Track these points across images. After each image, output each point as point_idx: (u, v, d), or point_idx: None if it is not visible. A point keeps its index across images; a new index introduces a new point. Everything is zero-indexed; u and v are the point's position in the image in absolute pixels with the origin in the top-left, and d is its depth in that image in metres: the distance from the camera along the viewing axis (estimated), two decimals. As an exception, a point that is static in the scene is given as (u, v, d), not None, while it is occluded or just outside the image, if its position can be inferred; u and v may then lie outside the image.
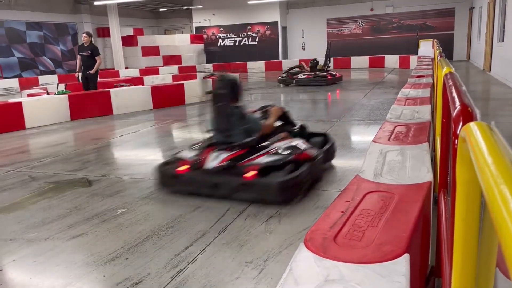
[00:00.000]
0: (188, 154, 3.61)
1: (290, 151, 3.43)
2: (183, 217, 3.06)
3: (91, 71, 9.35)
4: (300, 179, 3.23)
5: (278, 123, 3.96)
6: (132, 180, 4.08)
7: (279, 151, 3.43)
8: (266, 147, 3.50)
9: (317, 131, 4.46)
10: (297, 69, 13.23)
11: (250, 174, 3.21)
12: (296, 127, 4.11)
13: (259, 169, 3.24)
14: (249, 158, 3.38)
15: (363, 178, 1.92)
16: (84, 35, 9.43)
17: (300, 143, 3.60)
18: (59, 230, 2.94)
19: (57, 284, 2.27)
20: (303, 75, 12.75)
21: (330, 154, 4.07)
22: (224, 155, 3.42)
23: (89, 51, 9.31)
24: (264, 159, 3.35)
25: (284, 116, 4.06)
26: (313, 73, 12.74)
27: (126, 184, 3.96)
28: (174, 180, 3.50)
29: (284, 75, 13.07)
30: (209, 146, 3.58)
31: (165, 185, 3.58)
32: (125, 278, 2.28)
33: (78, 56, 9.38)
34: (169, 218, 3.06)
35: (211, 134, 3.73)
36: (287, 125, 4.04)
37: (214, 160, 3.40)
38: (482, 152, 0.63)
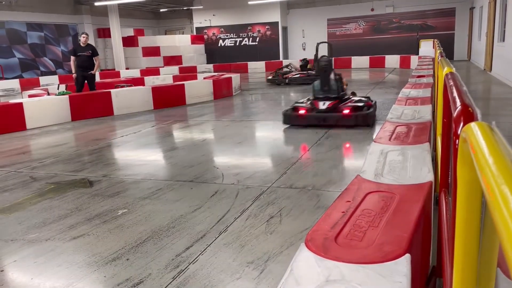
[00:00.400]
0: (304, 104, 6.20)
1: (362, 101, 6.16)
2: (184, 218, 3.06)
3: (92, 72, 9.37)
4: (372, 114, 5.97)
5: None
6: (132, 180, 4.09)
7: (356, 100, 6.18)
8: (347, 99, 6.24)
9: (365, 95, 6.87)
10: (286, 69, 13.42)
11: (347, 111, 5.84)
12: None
13: (351, 108, 5.87)
14: (342, 104, 6.00)
15: (364, 178, 1.92)
16: (84, 35, 9.41)
17: (363, 98, 6.34)
18: (60, 231, 2.95)
19: (58, 285, 2.27)
20: (296, 74, 12.91)
21: (376, 107, 6.46)
22: (328, 102, 5.97)
23: (90, 51, 9.32)
24: (351, 104, 6.02)
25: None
26: (305, 72, 12.91)
27: (127, 184, 3.96)
28: (298, 118, 6.08)
29: (272, 76, 13.29)
30: (315, 99, 6.15)
31: (292, 122, 6.13)
32: (126, 278, 2.28)
33: (73, 57, 9.23)
34: (170, 218, 3.07)
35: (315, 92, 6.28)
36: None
37: (323, 106, 5.95)
38: (483, 152, 0.63)
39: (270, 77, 13.39)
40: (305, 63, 13.82)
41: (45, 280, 2.35)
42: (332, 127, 5.80)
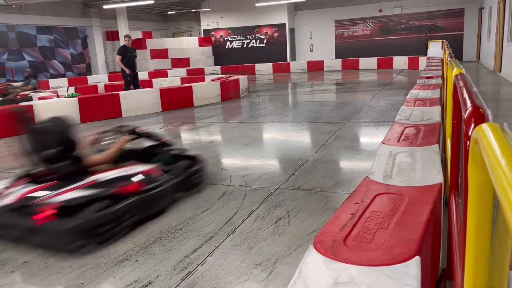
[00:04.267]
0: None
1: (111, 184, 2.92)
2: (192, 219, 3.07)
3: (137, 70, 10.46)
4: (110, 218, 2.74)
5: (148, 144, 3.78)
6: (141, 182, 4.09)
7: (100, 182, 2.91)
8: (83, 179, 2.92)
9: (188, 153, 3.92)
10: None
11: (41, 216, 2.63)
12: (171, 147, 3.84)
13: (57, 208, 2.66)
14: (55, 193, 2.77)
15: (372, 180, 1.91)
16: (127, 38, 10.28)
17: (126, 175, 3.06)
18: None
19: (67, 286, 2.29)
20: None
21: (192, 180, 3.59)
22: (29, 187, 2.87)
23: (135, 52, 10.41)
24: (67, 196, 2.75)
25: (149, 138, 3.77)
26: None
27: (135, 186, 3.97)
28: None
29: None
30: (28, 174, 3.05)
31: None
32: (135, 279, 2.29)
33: (120, 57, 10.02)
34: (178, 220, 3.07)
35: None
36: (158, 147, 3.78)
37: (12, 194, 2.85)
38: (495, 154, 0.62)
39: None
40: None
41: (55, 281, 2.37)
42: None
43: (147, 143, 3.74)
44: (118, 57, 10.11)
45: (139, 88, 10.42)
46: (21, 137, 3.04)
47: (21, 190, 2.85)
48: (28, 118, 3.19)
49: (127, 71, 10.08)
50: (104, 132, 3.61)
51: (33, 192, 2.81)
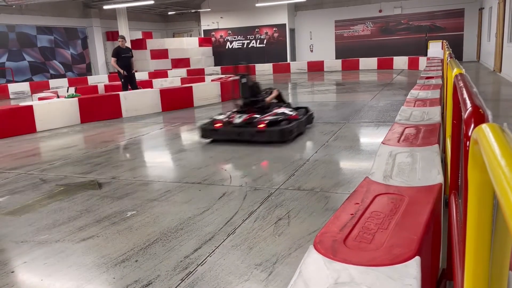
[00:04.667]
0: (222, 117, 5.76)
1: (286, 114, 5.66)
2: (192, 219, 3.07)
3: (134, 71, 10.53)
4: (290, 129, 5.35)
5: (275, 101, 6.26)
6: (141, 182, 4.11)
7: (279, 113, 5.64)
8: (270, 111, 5.71)
9: (300, 106, 6.66)
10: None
11: (261, 125, 5.32)
12: (286, 103, 6.38)
13: (266, 123, 5.35)
14: (260, 117, 5.48)
15: (372, 180, 1.91)
16: (121, 39, 10.24)
17: (287, 111, 5.78)
18: (70, 232, 2.97)
19: (67, 286, 2.29)
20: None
21: (310, 119, 6.28)
22: (245, 115, 5.57)
23: (131, 52, 10.36)
24: (269, 117, 5.47)
25: (279, 96, 6.35)
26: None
27: (136, 186, 3.98)
28: (214, 132, 5.63)
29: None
30: (234, 112, 5.82)
31: (208, 137, 5.71)
32: (135, 280, 2.29)
33: (115, 59, 10.06)
34: (178, 220, 3.07)
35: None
36: (281, 102, 6.35)
37: (238, 119, 5.53)
38: (495, 154, 0.62)
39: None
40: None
41: (55, 281, 2.37)
42: (247, 143, 5.32)
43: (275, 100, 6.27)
44: (113, 59, 10.16)
45: (136, 88, 10.43)
46: (236, 92, 6.10)
47: (243, 116, 5.55)
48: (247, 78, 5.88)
49: (122, 72, 10.12)
50: (266, 89, 6.20)
51: (251, 116, 5.51)
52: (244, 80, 5.81)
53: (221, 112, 6.23)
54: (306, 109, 6.37)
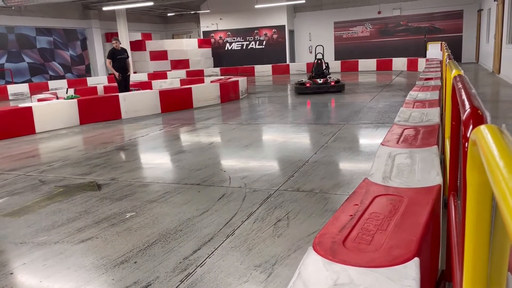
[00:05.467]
0: (307, 80, 11.26)
1: (337, 78, 11.29)
2: (191, 221, 3.07)
3: (128, 73, 10.57)
4: (344, 85, 11.27)
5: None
6: (140, 183, 4.10)
7: (334, 78, 11.19)
8: (330, 77, 11.31)
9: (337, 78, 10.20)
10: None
11: (333, 83, 10.95)
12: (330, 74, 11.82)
13: (334, 81, 10.99)
14: (330, 80, 11.07)
15: (371, 182, 1.91)
16: (115, 41, 10.22)
17: (336, 79, 11.26)
18: (69, 234, 2.97)
19: (66, 288, 2.29)
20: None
21: (344, 85, 11.29)
22: (322, 79, 11.17)
23: (126, 53, 10.38)
24: (334, 79, 11.19)
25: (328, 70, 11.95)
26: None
27: (135, 187, 3.98)
28: (306, 88, 11.00)
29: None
30: (314, 77, 11.41)
31: (301, 91, 11.04)
32: (134, 281, 2.28)
33: (110, 60, 10.09)
34: (177, 221, 3.07)
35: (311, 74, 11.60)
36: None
37: (320, 81, 11.05)
38: (493, 155, 0.62)
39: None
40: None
41: (54, 283, 2.36)
42: (325, 93, 10.64)
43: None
44: (108, 61, 10.20)
45: (128, 90, 10.38)
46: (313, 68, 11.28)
47: (321, 79, 11.23)
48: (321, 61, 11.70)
49: (117, 74, 10.18)
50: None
51: (324, 81, 11.14)
52: (319, 61, 11.58)
53: (300, 79, 12.00)
54: (339, 80, 11.27)
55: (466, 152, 1.01)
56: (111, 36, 21.11)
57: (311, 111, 8.52)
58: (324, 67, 11.62)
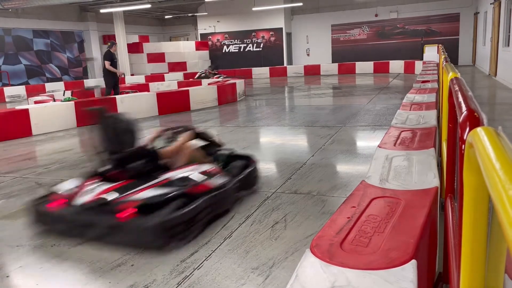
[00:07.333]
0: (68, 186, 3.09)
1: (181, 183, 2.92)
2: (188, 223, 3.05)
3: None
4: (179, 221, 2.66)
5: (201, 144, 3.68)
6: (137, 186, 4.08)
7: (174, 179, 2.98)
8: (158, 176, 3.04)
9: (241, 153, 3.97)
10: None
11: (123, 214, 2.65)
12: (221, 147, 3.83)
13: (138, 206, 2.69)
14: (131, 192, 2.84)
15: (369, 184, 1.91)
16: (115, 45, 10.66)
17: (195, 174, 3.04)
18: (65, 237, 2.95)
19: (63, 291, 2.27)
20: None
21: (250, 180, 3.60)
22: (103, 187, 2.91)
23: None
24: (145, 194, 2.80)
25: (203, 137, 3.74)
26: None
27: (132, 190, 3.95)
28: (43, 217, 2.96)
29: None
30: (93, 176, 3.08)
31: (36, 223, 3.00)
32: (131, 284, 2.28)
33: (109, 62, 10.38)
34: (175, 224, 3.05)
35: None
36: (211, 147, 3.74)
37: (88, 193, 2.88)
38: (490, 158, 0.63)
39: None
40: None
41: (50, 286, 2.35)
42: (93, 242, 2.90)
43: (200, 143, 3.72)
44: (107, 62, 10.40)
45: (119, 93, 10.82)
46: (93, 134, 3.15)
47: (96, 189, 2.90)
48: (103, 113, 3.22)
49: (119, 73, 10.70)
50: (166, 130, 3.71)
51: (109, 191, 2.87)
52: (114, 120, 3.28)
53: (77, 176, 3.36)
54: (247, 161, 3.74)
55: (462, 155, 1.01)
56: (108, 38, 21.10)
57: (309, 114, 8.52)
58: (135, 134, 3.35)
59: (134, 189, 2.86)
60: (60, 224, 2.91)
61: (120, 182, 2.96)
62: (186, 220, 2.71)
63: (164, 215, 2.64)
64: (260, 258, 2.46)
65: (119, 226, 2.64)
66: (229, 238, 2.76)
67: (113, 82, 10.54)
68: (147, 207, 2.70)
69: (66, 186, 3.12)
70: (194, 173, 3.07)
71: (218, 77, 15.39)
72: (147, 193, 2.82)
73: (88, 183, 3.00)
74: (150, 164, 3.15)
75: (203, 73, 16.47)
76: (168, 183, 2.95)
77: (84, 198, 2.86)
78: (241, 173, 3.47)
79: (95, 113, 3.16)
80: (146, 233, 2.63)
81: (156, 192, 2.83)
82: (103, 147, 3.12)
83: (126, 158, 3.06)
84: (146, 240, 2.64)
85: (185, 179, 2.99)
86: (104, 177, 3.03)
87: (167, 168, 3.17)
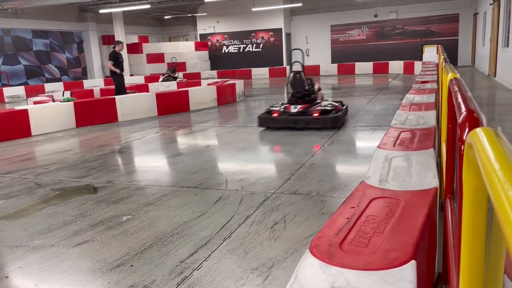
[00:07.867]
0: (277, 108, 6.72)
1: (332, 105, 6.63)
2: (188, 224, 3.06)
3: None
4: (340, 117, 6.38)
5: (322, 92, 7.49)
6: (137, 186, 4.09)
7: (326, 104, 6.64)
8: (318, 103, 6.69)
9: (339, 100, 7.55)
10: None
11: (316, 114, 6.31)
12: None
13: (319, 112, 6.37)
14: (312, 108, 6.49)
15: (368, 184, 1.91)
16: (121, 45, 10.65)
17: (333, 103, 6.85)
18: (65, 237, 2.95)
19: (62, 291, 2.27)
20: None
21: (346, 111, 7.10)
22: (299, 106, 6.57)
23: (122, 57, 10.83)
24: (320, 108, 6.49)
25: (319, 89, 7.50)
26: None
27: (131, 190, 3.97)
28: (271, 121, 6.53)
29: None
30: (288, 103, 6.81)
31: (266, 125, 6.61)
32: (130, 285, 2.27)
33: (112, 62, 10.40)
34: (174, 224, 3.06)
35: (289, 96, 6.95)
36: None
37: (294, 109, 6.53)
38: (489, 158, 0.63)
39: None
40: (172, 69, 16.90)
41: (50, 286, 2.35)
42: (302, 129, 6.26)
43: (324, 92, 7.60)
44: (110, 63, 10.44)
45: (125, 93, 10.81)
46: (287, 84, 7.06)
47: (297, 106, 6.56)
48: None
49: (121, 73, 10.63)
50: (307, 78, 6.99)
51: (302, 109, 6.50)
52: (298, 76, 6.83)
53: (274, 104, 6.98)
54: (341, 102, 7.19)
55: (462, 155, 1.02)
56: (107, 38, 21.11)
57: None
58: (307, 84, 6.92)
59: (312, 107, 6.48)
60: (278, 123, 6.43)
61: (302, 105, 6.56)
62: (340, 119, 6.32)
63: (332, 115, 6.29)
64: (259, 259, 2.46)
65: (314, 120, 6.23)
66: (229, 239, 2.76)
67: (121, 82, 10.55)
68: (322, 112, 6.34)
69: (277, 107, 6.71)
70: (332, 103, 6.77)
71: (176, 78, 16.50)
72: (321, 108, 6.45)
73: (289, 105, 6.64)
74: (311, 98, 6.79)
75: (165, 77, 16.62)
76: (324, 105, 6.57)
77: (294, 111, 6.49)
78: (343, 107, 6.95)
79: (295, 74, 6.95)
80: (327, 121, 6.17)
81: (325, 108, 6.46)
82: (293, 90, 6.87)
83: (303, 95, 6.77)
84: (327, 125, 6.15)
85: (332, 104, 6.65)
86: (294, 103, 6.73)
87: (316, 100, 6.83)
